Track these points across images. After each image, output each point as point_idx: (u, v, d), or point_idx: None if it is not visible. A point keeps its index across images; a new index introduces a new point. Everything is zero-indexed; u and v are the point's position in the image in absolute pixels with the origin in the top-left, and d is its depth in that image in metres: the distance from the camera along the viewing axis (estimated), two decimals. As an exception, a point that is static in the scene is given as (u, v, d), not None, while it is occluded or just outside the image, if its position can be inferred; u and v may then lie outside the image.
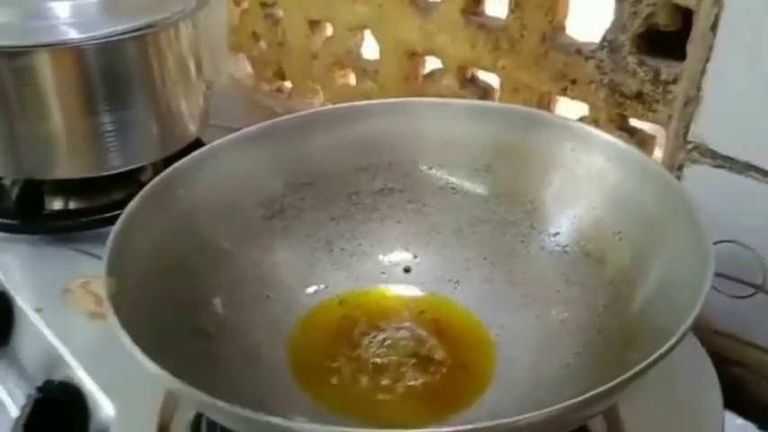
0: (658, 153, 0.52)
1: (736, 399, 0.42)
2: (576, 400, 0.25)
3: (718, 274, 0.44)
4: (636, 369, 0.26)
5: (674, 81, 0.48)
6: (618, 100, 0.51)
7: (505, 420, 0.24)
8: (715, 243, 0.44)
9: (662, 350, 0.26)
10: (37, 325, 0.47)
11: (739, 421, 0.42)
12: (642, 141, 0.53)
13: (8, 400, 0.48)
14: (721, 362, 0.46)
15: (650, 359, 0.26)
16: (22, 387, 0.47)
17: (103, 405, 0.41)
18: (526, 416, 0.24)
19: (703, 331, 0.45)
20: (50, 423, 0.41)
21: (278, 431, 0.26)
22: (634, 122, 0.53)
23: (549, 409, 0.24)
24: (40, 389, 0.41)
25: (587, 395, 0.25)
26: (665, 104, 0.49)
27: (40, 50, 0.50)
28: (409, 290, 0.44)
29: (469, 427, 0.24)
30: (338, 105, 0.47)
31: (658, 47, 0.49)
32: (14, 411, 0.47)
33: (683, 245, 0.33)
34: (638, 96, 0.50)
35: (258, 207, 0.44)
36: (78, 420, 0.41)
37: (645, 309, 0.34)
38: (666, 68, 0.48)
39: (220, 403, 0.26)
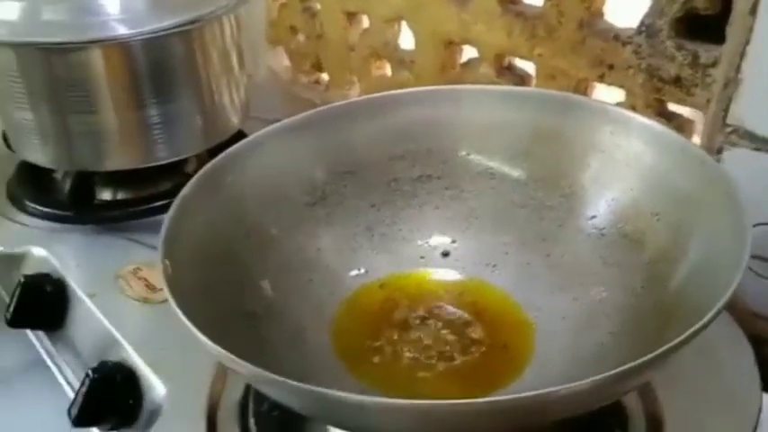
0: (696, 138, 0.52)
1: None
2: (608, 373, 0.25)
3: (756, 257, 0.44)
4: (669, 345, 0.26)
5: (713, 64, 0.48)
6: (656, 85, 0.51)
7: (540, 392, 0.25)
8: (754, 226, 0.44)
9: (695, 327, 0.27)
10: (91, 309, 0.49)
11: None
12: (680, 126, 0.53)
13: (63, 380, 0.51)
14: (760, 344, 0.46)
15: (683, 336, 0.27)
16: (76, 369, 0.50)
17: (155, 385, 0.42)
18: (558, 388, 0.25)
19: (742, 314, 0.45)
20: (106, 401, 0.43)
21: (327, 402, 0.27)
22: (672, 108, 0.53)
23: (580, 382, 0.25)
24: (95, 369, 0.43)
25: (620, 369, 0.26)
26: (703, 88, 0.49)
27: (91, 46, 0.52)
28: (448, 273, 0.45)
29: (510, 397, 0.25)
30: (377, 94, 0.48)
31: (697, 31, 0.49)
32: (69, 391, 0.49)
33: (721, 223, 0.33)
34: (677, 81, 0.50)
35: (302, 194, 0.45)
36: (132, 399, 0.43)
37: (682, 288, 0.35)
38: (705, 52, 0.48)
39: (274, 376, 0.27)
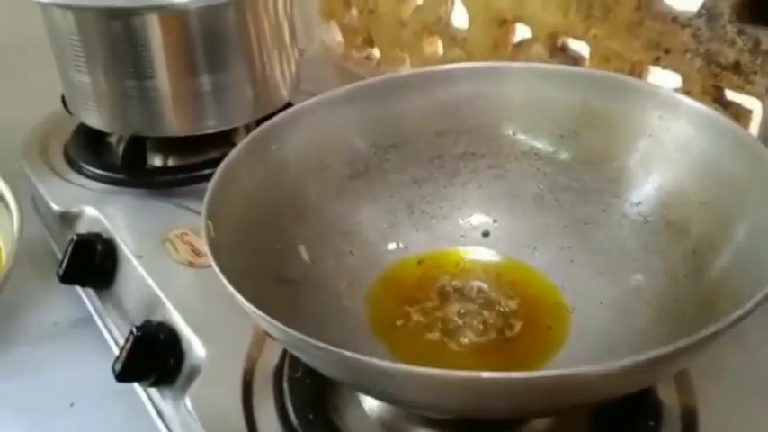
0: (754, 129, 0.50)
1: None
2: (639, 358, 0.25)
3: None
4: (704, 333, 0.26)
5: (775, 51, 0.46)
6: (713, 71, 0.50)
7: (565, 371, 0.25)
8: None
9: (734, 316, 0.26)
10: (138, 270, 0.50)
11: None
12: (737, 115, 0.51)
13: (109, 338, 0.53)
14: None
15: (721, 325, 0.26)
16: (122, 327, 0.51)
17: (196, 346, 0.43)
18: (586, 368, 0.25)
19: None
20: (148, 358, 0.44)
21: (355, 367, 0.27)
22: (729, 96, 0.51)
23: (610, 365, 0.25)
24: (139, 328, 0.45)
25: (653, 354, 0.25)
26: (763, 76, 0.47)
27: (148, 12, 0.53)
28: (487, 253, 0.45)
29: (534, 374, 0.25)
30: (424, 69, 0.48)
31: (760, 15, 0.47)
32: (114, 348, 0.51)
33: (768, 214, 0.32)
34: (735, 67, 0.49)
35: (345, 166, 0.45)
36: (173, 359, 0.44)
37: (725, 278, 0.34)
38: (767, 38, 0.46)
39: (303, 336, 0.28)
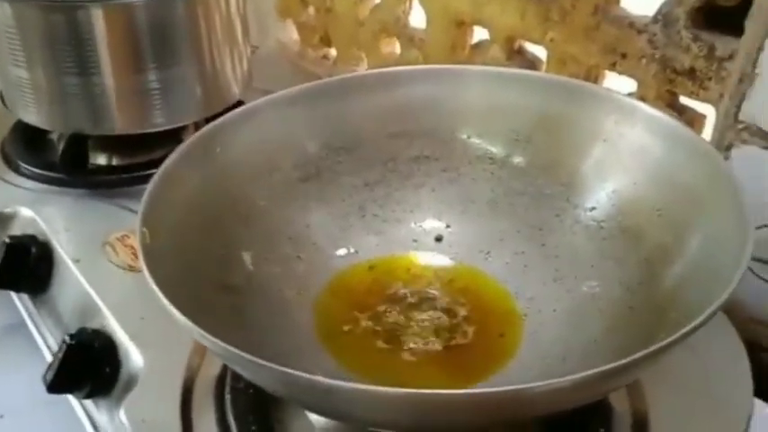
0: (707, 134, 0.50)
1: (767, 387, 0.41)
2: (589, 372, 0.24)
3: (758, 260, 0.43)
4: (657, 346, 0.25)
5: (729, 58, 0.46)
6: (668, 76, 0.50)
7: (515, 387, 0.24)
8: (759, 227, 0.43)
9: (687, 328, 0.26)
10: (75, 274, 0.48)
11: (770, 411, 0.40)
12: (691, 120, 0.51)
13: (43, 345, 0.50)
14: (757, 350, 0.44)
15: (673, 336, 0.25)
16: (57, 334, 0.49)
17: (133, 355, 0.41)
18: (537, 384, 0.24)
19: (742, 319, 0.43)
20: (82, 368, 0.42)
21: (301, 385, 0.26)
22: (683, 101, 0.51)
23: (561, 380, 0.24)
24: (73, 336, 0.43)
25: (604, 368, 0.25)
26: (717, 82, 0.47)
27: (92, 5, 0.51)
28: (440, 258, 0.44)
29: (482, 391, 0.23)
30: (378, 70, 0.47)
31: (715, 22, 0.47)
32: (48, 356, 0.49)
33: (724, 223, 0.32)
34: (690, 73, 0.48)
35: (294, 168, 0.44)
36: (109, 368, 0.42)
37: (679, 287, 0.33)
38: (722, 44, 0.46)
39: (245, 355, 0.26)
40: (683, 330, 0.26)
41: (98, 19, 0.52)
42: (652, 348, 0.25)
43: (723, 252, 0.31)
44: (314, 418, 0.37)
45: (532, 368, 0.36)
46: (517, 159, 0.44)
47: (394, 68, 0.47)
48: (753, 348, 0.44)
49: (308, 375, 0.25)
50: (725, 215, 0.32)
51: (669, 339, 0.25)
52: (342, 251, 0.44)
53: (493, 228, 0.44)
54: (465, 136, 0.45)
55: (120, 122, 0.56)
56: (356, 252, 0.44)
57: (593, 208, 0.41)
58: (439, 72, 0.46)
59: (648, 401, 0.37)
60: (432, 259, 0.44)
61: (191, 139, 0.40)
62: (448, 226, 0.45)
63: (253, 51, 0.66)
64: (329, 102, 0.45)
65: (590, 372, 0.24)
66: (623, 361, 0.25)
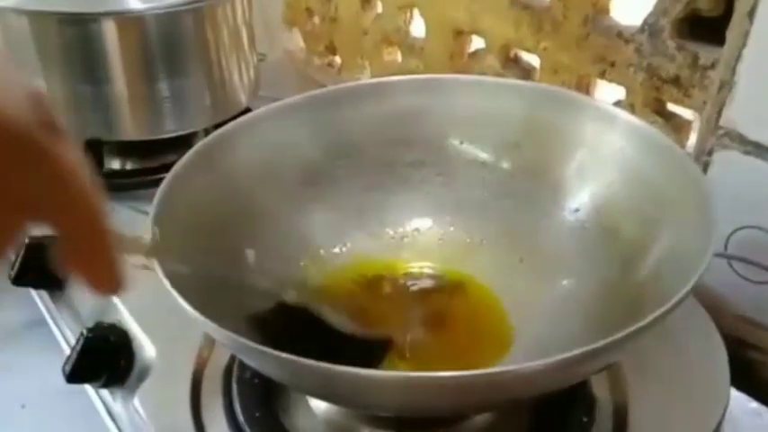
0: (693, 139, 0.52)
1: (751, 382, 0.43)
2: (564, 356, 0.26)
3: (741, 259, 0.45)
4: (627, 331, 0.27)
5: (712, 66, 0.48)
6: (655, 84, 0.52)
7: (497, 369, 0.26)
8: (740, 229, 0.45)
9: (657, 313, 0.28)
10: (91, 272, 0.50)
11: (753, 405, 0.42)
12: (678, 126, 0.53)
13: (62, 339, 0.53)
14: (739, 346, 0.46)
15: (644, 322, 0.28)
16: (74, 329, 0.51)
17: (147, 347, 0.44)
18: (515, 366, 0.26)
19: (723, 315, 0.45)
20: (99, 360, 0.44)
21: (302, 371, 0.28)
22: (671, 108, 0.53)
23: (536, 363, 0.26)
24: (90, 329, 0.45)
25: (578, 351, 0.27)
26: (701, 89, 0.49)
27: (105, 18, 0.54)
28: (433, 258, 0.46)
29: (475, 373, 0.26)
30: (375, 80, 0.49)
31: (698, 32, 0.49)
32: (67, 349, 0.51)
33: (692, 220, 0.34)
34: (676, 81, 0.51)
35: (296, 173, 0.46)
36: (124, 360, 0.45)
37: (652, 279, 0.36)
38: (705, 53, 0.48)
39: (251, 344, 0.29)
40: (653, 316, 0.28)
41: (111, 31, 0.55)
42: (623, 333, 0.27)
43: (691, 245, 0.33)
44: (315, 405, 0.39)
45: (518, 362, 0.38)
46: (506, 164, 0.46)
47: (389, 78, 0.49)
48: (737, 345, 0.46)
49: (309, 361, 0.27)
50: (693, 214, 0.34)
51: (637, 325, 0.28)
52: (339, 251, 0.46)
53: (483, 229, 0.46)
54: (457, 142, 0.48)
55: (132, 129, 0.59)
56: (353, 252, 0.46)
57: (577, 209, 0.43)
58: (432, 82, 0.48)
59: (629, 392, 0.39)
60: (425, 259, 0.46)
61: (199, 145, 0.42)
62: (441, 228, 0.47)
63: (261, 59, 0.68)
64: (329, 110, 0.47)
65: (562, 356, 0.27)
66: (593, 345, 0.27)
